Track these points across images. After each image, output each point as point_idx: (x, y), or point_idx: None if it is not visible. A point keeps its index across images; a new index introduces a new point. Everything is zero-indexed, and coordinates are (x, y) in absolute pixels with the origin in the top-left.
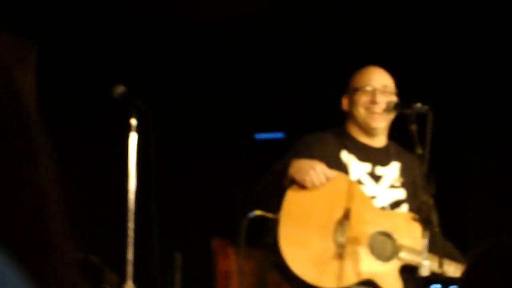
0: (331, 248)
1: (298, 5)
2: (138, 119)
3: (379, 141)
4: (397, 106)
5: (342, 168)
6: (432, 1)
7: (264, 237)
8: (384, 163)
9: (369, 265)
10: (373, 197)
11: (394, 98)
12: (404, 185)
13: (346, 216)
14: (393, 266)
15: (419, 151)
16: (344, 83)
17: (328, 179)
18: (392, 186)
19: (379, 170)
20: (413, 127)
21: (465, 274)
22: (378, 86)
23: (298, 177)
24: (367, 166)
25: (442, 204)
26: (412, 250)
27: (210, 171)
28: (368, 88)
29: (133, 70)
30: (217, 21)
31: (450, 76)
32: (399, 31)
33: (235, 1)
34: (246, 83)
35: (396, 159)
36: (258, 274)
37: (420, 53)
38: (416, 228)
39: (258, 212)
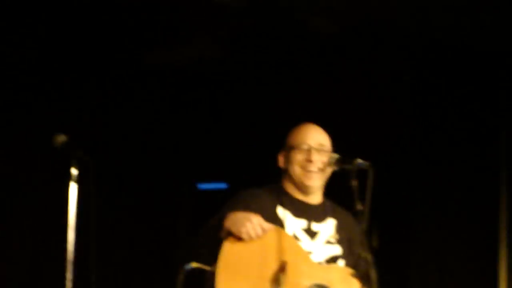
0: None
1: (247, 56)
2: (78, 169)
3: (315, 198)
4: (338, 161)
5: (278, 223)
6: (375, 57)
7: None
8: (320, 219)
9: None
10: (309, 253)
11: (329, 157)
12: (339, 241)
13: (282, 269)
14: None
15: (359, 206)
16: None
17: (264, 231)
18: (328, 242)
19: (314, 226)
20: (354, 183)
21: None
22: (314, 144)
23: (234, 229)
24: (303, 222)
25: (385, 259)
26: None
27: (152, 222)
28: (304, 147)
29: (74, 119)
30: (162, 70)
31: (392, 129)
32: (339, 87)
33: (183, 51)
34: (188, 134)
35: (331, 215)
36: None
37: (360, 106)
38: (354, 284)
39: (194, 264)
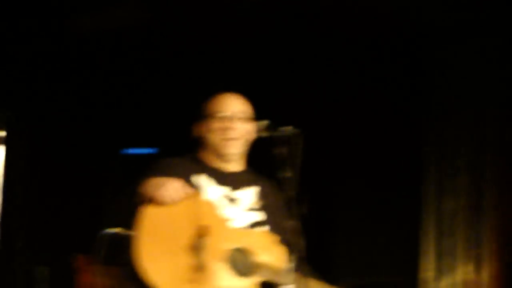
0: (190, 265)
1: (175, 19)
2: (7, 131)
3: (235, 166)
4: (267, 128)
5: (197, 190)
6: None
7: (120, 254)
8: (241, 186)
9: (229, 281)
10: (230, 220)
11: (249, 124)
12: (263, 208)
13: (202, 233)
14: (254, 282)
15: (288, 173)
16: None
17: (186, 194)
18: (251, 209)
19: (235, 193)
20: (283, 150)
21: None
22: (234, 111)
23: (156, 193)
24: (223, 190)
25: (311, 228)
26: (272, 268)
27: (79, 185)
28: (223, 114)
29: (4, 84)
30: (90, 33)
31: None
32: (269, 53)
33: (108, 14)
34: (121, 97)
35: (254, 183)
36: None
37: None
38: (277, 248)
39: (114, 229)
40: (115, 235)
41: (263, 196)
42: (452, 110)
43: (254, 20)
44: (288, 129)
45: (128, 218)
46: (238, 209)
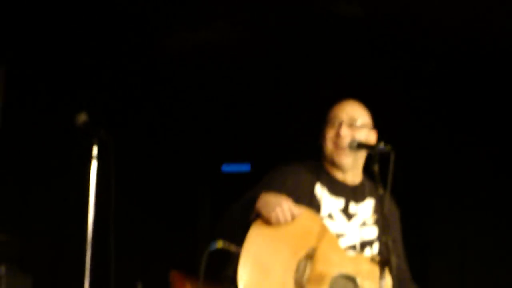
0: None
1: (269, 37)
2: (99, 148)
3: (353, 177)
4: (360, 145)
5: (314, 202)
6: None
7: (224, 270)
8: (358, 200)
9: None
10: (342, 235)
11: (364, 133)
12: (377, 222)
13: (310, 255)
14: None
15: (380, 191)
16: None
17: (293, 216)
18: (364, 224)
19: (352, 207)
20: (375, 167)
21: None
22: (345, 118)
23: (264, 212)
24: (340, 202)
25: (406, 243)
26: None
27: (174, 202)
28: (335, 121)
29: (95, 98)
30: (182, 51)
31: (417, 114)
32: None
33: (200, 34)
34: (214, 114)
35: (370, 195)
36: None
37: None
38: (384, 276)
39: (220, 245)
40: (221, 251)
41: (378, 209)
42: None
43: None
44: (380, 146)
45: (238, 233)
46: (352, 224)
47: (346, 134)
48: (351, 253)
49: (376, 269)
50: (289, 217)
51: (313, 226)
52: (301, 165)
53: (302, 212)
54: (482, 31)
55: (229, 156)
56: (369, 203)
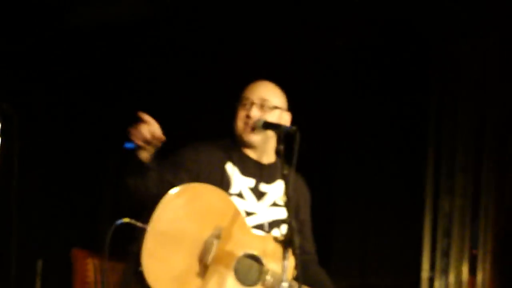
0: (195, 267)
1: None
2: (2, 123)
3: (266, 157)
4: (265, 125)
5: (225, 180)
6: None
7: (130, 246)
8: (269, 180)
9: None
10: (252, 214)
11: (275, 114)
12: (290, 209)
13: (217, 235)
14: None
15: (285, 171)
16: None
17: (151, 130)
18: (275, 204)
19: (263, 187)
20: (281, 147)
21: None
22: (255, 99)
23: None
24: (251, 181)
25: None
26: (278, 275)
27: (77, 180)
28: (247, 102)
29: None
30: (87, 25)
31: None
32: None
33: (110, 8)
34: (118, 91)
35: (282, 177)
36: (122, 286)
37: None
38: (290, 256)
39: (126, 220)
40: (128, 226)
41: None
42: (450, 109)
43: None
44: (285, 126)
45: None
46: (262, 204)
47: (256, 115)
48: (259, 232)
49: (281, 249)
50: (146, 133)
51: (222, 205)
52: (214, 143)
53: (158, 134)
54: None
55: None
56: (280, 184)
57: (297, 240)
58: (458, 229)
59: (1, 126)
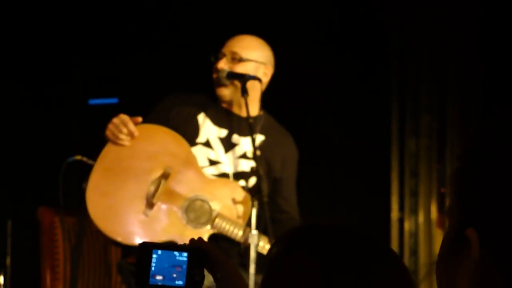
0: (140, 204)
1: None
2: None
3: (244, 110)
4: (229, 75)
5: (193, 128)
6: None
7: (84, 183)
8: (244, 133)
9: (177, 228)
10: (217, 163)
11: (249, 67)
12: (258, 159)
13: (165, 175)
14: (203, 233)
15: (251, 120)
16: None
17: (128, 128)
18: (244, 156)
19: (235, 138)
20: (245, 96)
21: (272, 252)
22: (227, 52)
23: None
24: (223, 132)
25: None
26: (229, 220)
27: (43, 137)
28: (221, 55)
29: None
30: None
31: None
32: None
33: None
34: (81, 48)
35: (261, 131)
36: (77, 231)
37: None
38: (244, 204)
39: (78, 157)
40: (78, 162)
41: (266, 146)
42: (414, 48)
43: None
44: (248, 75)
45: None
46: (230, 154)
47: (223, 67)
48: (213, 177)
49: (236, 194)
50: (122, 129)
51: (175, 147)
52: (191, 95)
53: (132, 128)
54: None
55: (96, 93)
56: (257, 138)
57: (264, 188)
58: (425, 168)
59: None
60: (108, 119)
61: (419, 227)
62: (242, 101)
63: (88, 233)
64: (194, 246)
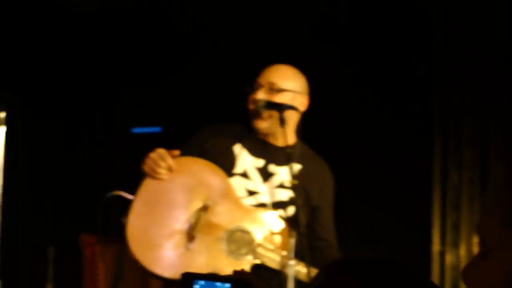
0: (180, 238)
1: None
2: (6, 112)
3: (281, 140)
4: (267, 105)
5: (230, 159)
6: None
7: (122, 218)
8: (281, 162)
9: (218, 259)
10: (255, 193)
11: (286, 97)
12: (296, 188)
13: (205, 207)
14: (245, 264)
15: (289, 150)
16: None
17: (166, 162)
18: (282, 186)
19: (272, 167)
20: (283, 126)
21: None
22: (263, 83)
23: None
24: (260, 162)
25: None
26: (270, 250)
27: (85, 165)
28: (258, 87)
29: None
30: (90, 13)
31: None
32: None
33: None
34: (123, 77)
35: (298, 161)
36: (117, 259)
37: None
38: (283, 235)
39: (116, 192)
40: (117, 197)
41: (304, 176)
42: (457, 80)
43: None
44: (285, 106)
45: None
46: (268, 184)
47: (260, 97)
48: (250, 207)
49: (276, 225)
50: (161, 164)
51: (212, 179)
52: (227, 126)
53: (170, 162)
54: None
55: (139, 121)
56: (294, 167)
57: (302, 218)
58: (467, 201)
59: (7, 114)
60: (151, 148)
61: (461, 260)
62: (279, 131)
63: (128, 261)
64: (237, 278)
